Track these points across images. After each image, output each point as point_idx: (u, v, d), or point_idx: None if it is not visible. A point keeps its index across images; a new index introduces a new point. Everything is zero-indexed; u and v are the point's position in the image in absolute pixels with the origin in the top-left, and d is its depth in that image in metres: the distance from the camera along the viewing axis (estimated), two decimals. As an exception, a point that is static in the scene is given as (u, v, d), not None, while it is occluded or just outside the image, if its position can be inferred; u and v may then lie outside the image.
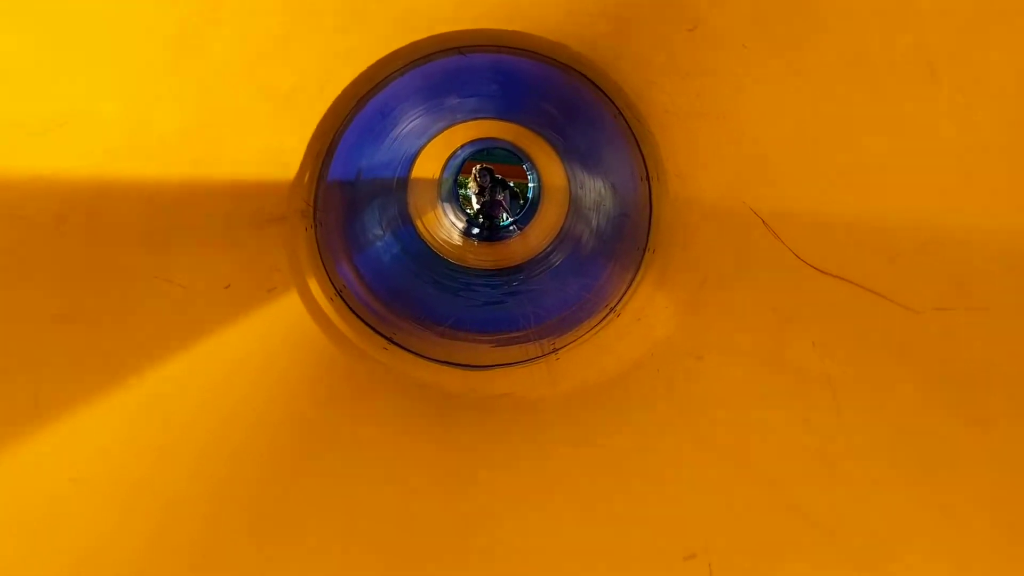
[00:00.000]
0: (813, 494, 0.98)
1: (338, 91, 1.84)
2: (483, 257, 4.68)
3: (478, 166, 7.85)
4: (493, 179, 7.81)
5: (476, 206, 7.44)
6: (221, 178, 1.39)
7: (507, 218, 7.28)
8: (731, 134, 1.42)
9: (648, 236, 2.08)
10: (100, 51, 0.90)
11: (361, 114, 2.16)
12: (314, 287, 1.94)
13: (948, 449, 0.79)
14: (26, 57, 0.80)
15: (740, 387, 1.31)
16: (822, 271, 1.11)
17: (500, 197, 7.69)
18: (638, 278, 2.09)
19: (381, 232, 3.50)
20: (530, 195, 7.97)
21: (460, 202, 7.85)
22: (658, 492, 1.25)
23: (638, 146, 2.09)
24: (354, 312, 2.12)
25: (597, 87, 2.11)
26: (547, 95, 3.24)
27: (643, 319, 1.93)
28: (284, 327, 1.71)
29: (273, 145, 1.68)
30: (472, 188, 8.05)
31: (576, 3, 1.58)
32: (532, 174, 7.70)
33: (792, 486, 1.02)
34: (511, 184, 8.53)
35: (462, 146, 6.38)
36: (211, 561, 1.01)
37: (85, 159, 0.95)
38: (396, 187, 4.11)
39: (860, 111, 0.98)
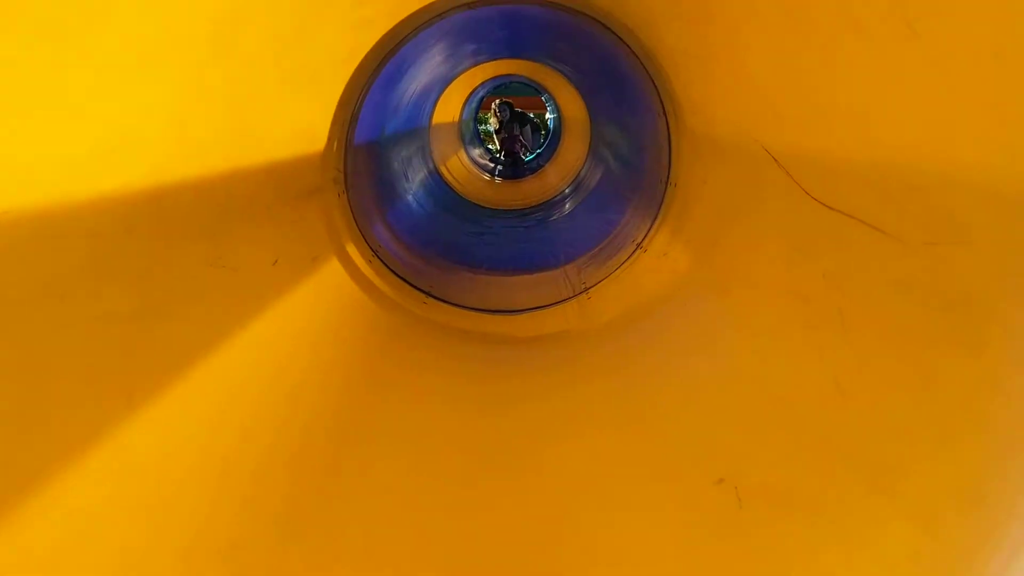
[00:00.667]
0: (826, 415, 1.07)
1: (357, 61, 1.90)
2: (510, 196, 4.74)
3: (497, 100, 7.80)
4: (512, 112, 7.77)
5: (497, 142, 7.41)
6: (258, 163, 1.48)
7: (529, 153, 7.25)
8: (737, 76, 1.48)
9: (669, 170, 2.13)
10: (139, 71, 0.98)
11: (380, 76, 2.22)
12: (352, 251, 2.04)
13: (943, 370, 0.88)
14: (77, 89, 0.89)
15: (759, 317, 1.39)
16: (828, 206, 1.18)
17: (521, 131, 7.66)
18: (662, 213, 2.15)
19: (409, 185, 3.58)
20: (551, 126, 7.95)
21: (482, 139, 7.85)
22: (686, 417, 1.35)
23: (653, 82, 2.14)
24: (392, 270, 2.22)
25: (609, 29, 2.15)
26: (560, 37, 3.26)
27: (668, 253, 2.00)
28: (329, 293, 1.81)
29: (302, 122, 1.76)
30: (492, 124, 8.03)
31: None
32: (551, 105, 7.67)
33: (807, 408, 1.11)
34: (531, 116, 8.49)
35: (480, 85, 6.38)
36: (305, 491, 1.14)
37: (140, 172, 1.04)
38: (419, 137, 4.17)
39: (850, 60, 1.05)
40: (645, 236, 2.19)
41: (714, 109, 1.75)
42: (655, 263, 2.05)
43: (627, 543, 1.13)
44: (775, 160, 1.37)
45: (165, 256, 1.13)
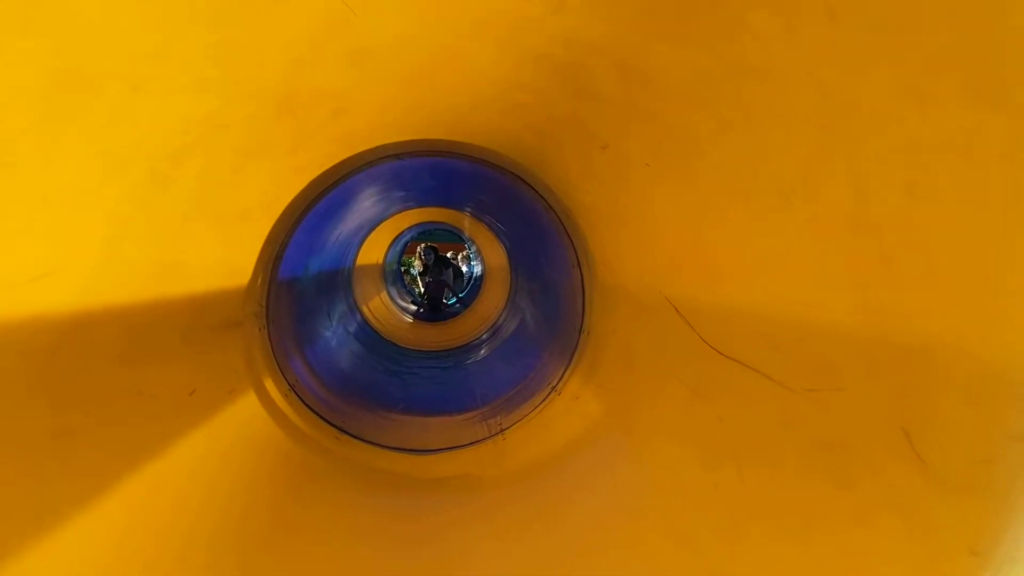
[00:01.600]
0: (722, 548, 1.12)
1: (286, 203, 1.98)
2: (430, 338, 4.80)
3: (423, 245, 7.97)
4: (438, 257, 7.93)
5: (421, 285, 7.54)
6: (182, 294, 1.51)
7: (452, 297, 7.37)
8: (643, 234, 1.61)
9: (583, 319, 2.23)
10: (76, 199, 1.03)
11: (308, 217, 2.30)
12: (269, 385, 2.05)
13: (821, 505, 0.95)
14: (17, 215, 0.93)
15: (662, 459, 1.46)
16: (724, 354, 1.28)
17: (444, 275, 7.79)
18: (575, 358, 2.23)
19: (330, 323, 3.61)
20: (473, 272, 8.13)
21: (406, 283, 7.96)
22: (592, 553, 1.37)
23: (569, 237, 2.27)
24: (307, 405, 2.22)
25: (530, 186, 2.30)
26: (483, 189, 3.43)
27: (580, 397, 2.07)
28: (244, 425, 1.81)
29: (228, 257, 1.81)
30: (417, 267, 8.17)
31: (503, 119, 1.77)
32: (474, 252, 7.89)
33: (705, 542, 1.17)
34: (454, 261, 8.68)
35: (405, 229, 6.54)
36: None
37: (70, 297, 1.07)
38: (342, 277, 4.23)
39: (738, 224, 1.18)
40: (559, 380, 2.26)
41: (623, 263, 1.88)
42: (568, 406, 2.12)
43: None
44: (677, 311, 1.47)
45: (88, 380, 1.14)
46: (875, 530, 0.86)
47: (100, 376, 1.18)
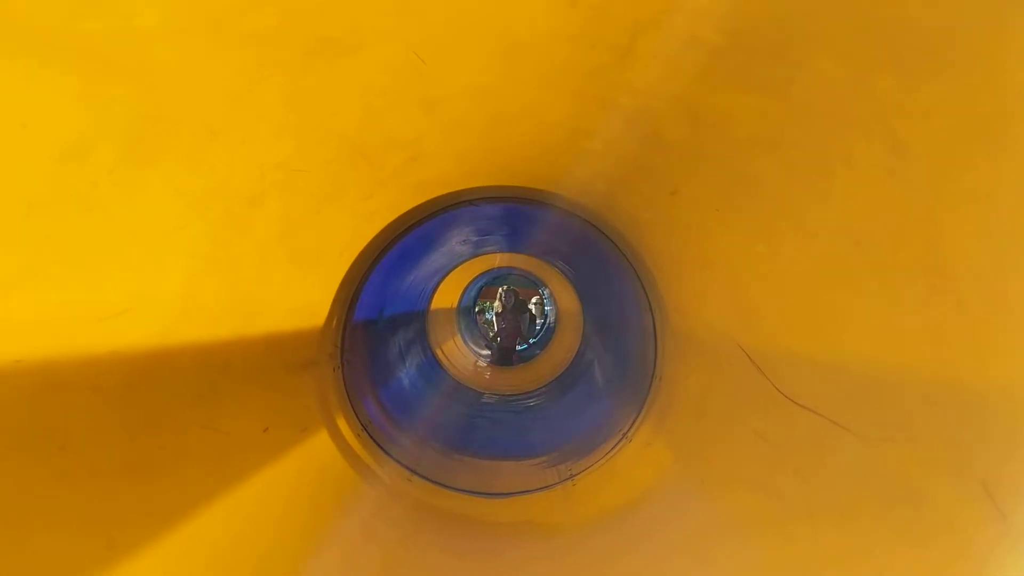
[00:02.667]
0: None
1: (361, 247, 2.03)
2: (503, 382, 4.80)
3: (504, 287, 8.01)
4: (517, 300, 7.97)
5: (497, 329, 7.54)
6: (259, 333, 1.56)
7: (524, 342, 7.36)
8: (714, 280, 1.60)
9: (655, 365, 2.21)
10: (158, 241, 1.08)
11: (383, 260, 2.35)
12: (342, 424, 2.08)
13: (898, 563, 0.91)
14: (97, 252, 0.98)
15: (736, 513, 1.42)
16: (798, 403, 1.25)
17: (521, 319, 7.80)
18: (647, 405, 2.21)
19: (404, 365, 3.66)
20: (547, 317, 8.14)
21: (481, 326, 8.00)
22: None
23: (640, 282, 2.26)
24: (379, 446, 2.25)
25: (601, 231, 2.30)
26: (556, 234, 3.44)
27: (652, 444, 2.04)
28: (316, 464, 1.84)
29: (304, 299, 1.86)
30: (496, 308, 8.21)
31: (573, 165, 1.78)
32: (548, 298, 7.89)
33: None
34: (530, 307, 8.70)
35: (479, 275, 6.60)
36: None
37: (146, 334, 1.12)
38: (416, 320, 4.29)
39: (808, 268, 1.16)
40: (631, 427, 2.23)
41: (695, 309, 1.86)
42: (639, 454, 2.09)
43: None
44: (749, 358, 1.45)
45: (160, 414, 1.18)
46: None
47: (176, 412, 1.22)
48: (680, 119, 1.26)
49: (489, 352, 6.76)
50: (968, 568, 0.80)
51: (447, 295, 5.53)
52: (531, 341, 7.56)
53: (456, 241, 3.79)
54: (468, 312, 7.70)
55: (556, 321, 7.07)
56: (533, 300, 8.70)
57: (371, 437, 2.24)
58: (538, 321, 8.64)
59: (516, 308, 7.83)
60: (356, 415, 2.23)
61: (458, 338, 6.15)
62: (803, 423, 1.22)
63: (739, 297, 1.51)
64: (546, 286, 7.27)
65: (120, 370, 1.07)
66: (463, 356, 5.51)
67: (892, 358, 0.97)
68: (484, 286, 8.03)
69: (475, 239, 3.93)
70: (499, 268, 6.62)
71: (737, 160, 1.25)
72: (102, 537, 0.99)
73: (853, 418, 1.06)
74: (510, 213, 3.02)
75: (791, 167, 1.11)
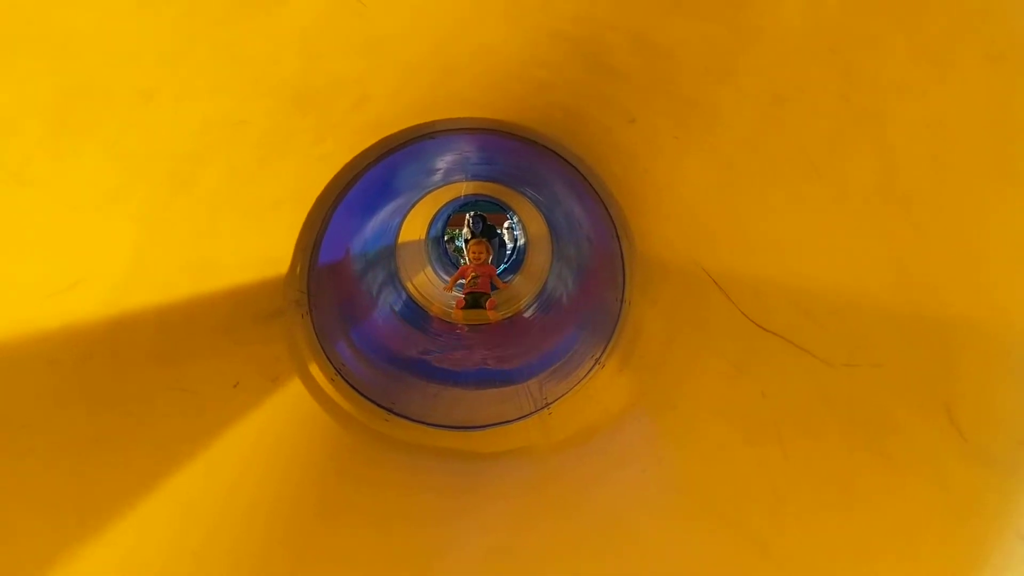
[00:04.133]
0: (764, 523, 1.11)
1: (318, 191, 1.99)
2: (475, 312, 4.82)
3: (471, 214, 7.98)
4: (486, 225, 7.93)
5: (467, 256, 7.52)
6: (219, 289, 1.53)
7: (497, 266, 7.36)
8: (677, 206, 1.59)
9: (623, 291, 2.22)
10: (101, 206, 1.04)
11: (344, 200, 2.31)
12: (314, 370, 2.08)
13: (861, 480, 0.94)
14: (37, 227, 0.95)
15: (704, 434, 1.44)
16: (764, 328, 1.26)
17: (491, 243, 7.77)
18: (618, 331, 2.22)
19: (375, 303, 3.64)
20: (517, 242, 8.13)
21: (451, 255, 7.99)
22: (635, 528, 1.37)
23: (606, 208, 2.25)
24: (354, 388, 2.25)
25: (562, 158, 2.28)
26: (519, 162, 3.41)
27: (624, 370, 2.06)
28: (290, 413, 1.84)
29: (263, 249, 1.83)
30: (465, 234, 8.19)
31: (528, 96, 1.75)
32: (517, 224, 7.87)
33: (747, 516, 1.16)
34: (500, 231, 8.69)
35: (446, 204, 6.55)
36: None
37: (99, 303, 1.09)
38: (385, 256, 4.26)
39: (766, 195, 1.15)
40: (603, 352, 2.25)
41: (659, 235, 1.85)
42: (612, 379, 2.11)
43: None
44: (715, 283, 1.45)
45: (124, 382, 1.17)
46: (918, 507, 0.84)
47: (138, 377, 1.20)
48: (632, 48, 1.23)
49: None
50: (930, 488, 0.82)
51: (414, 228, 5.50)
52: (503, 267, 7.57)
53: (419, 173, 3.74)
54: (438, 242, 7.67)
55: (526, 246, 7.06)
56: (504, 225, 8.69)
57: (345, 380, 2.24)
58: (508, 246, 8.65)
59: (485, 233, 7.80)
60: (329, 360, 2.23)
61: (429, 270, 6.14)
62: (769, 348, 1.23)
63: (702, 223, 1.50)
64: (514, 212, 7.24)
65: (77, 342, 1.05)
66: (435, 288, 5.51)
67: (854, 284, 0.97)
68: (452, 214, 7.98)
69: (438, 170, 3.88)
70: (466, 196, 6.57)
71: (692, 88, 1.23)
72: (74, 513, 0.98)
73: (818, 343, 1.07)
74: (471, 143, 2.97)
75: (745, 94, 1.09)
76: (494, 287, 5.58)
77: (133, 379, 1.20)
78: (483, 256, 5.70)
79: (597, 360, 2.26)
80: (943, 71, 0.72)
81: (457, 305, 4.97)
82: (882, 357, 0.92)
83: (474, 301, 5.11)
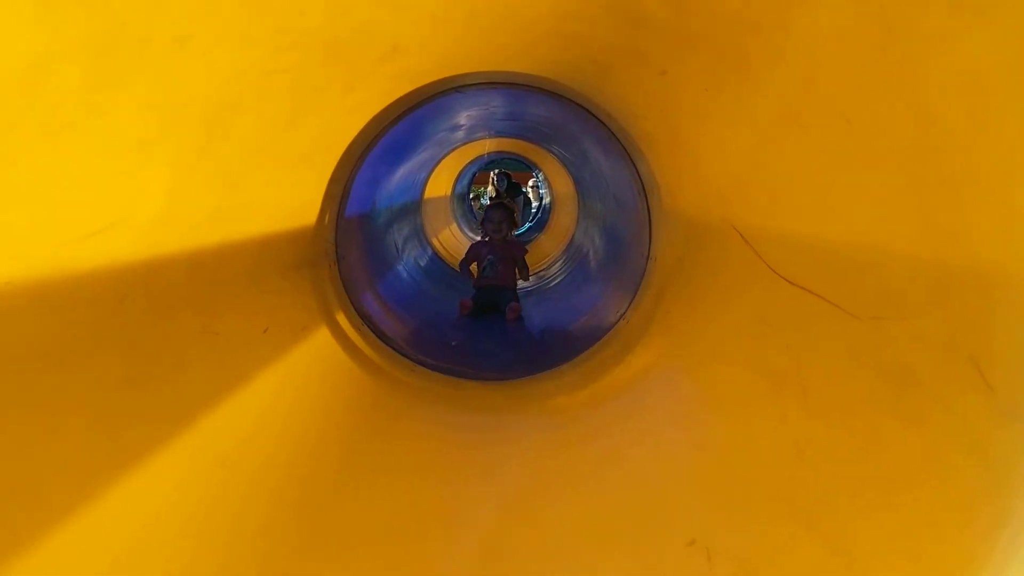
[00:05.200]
0: (787, 478, 1.12)
1: (348, 141, 2.00)
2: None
3: (496, 171, 7.95)
4: (510, 184, 7.90)
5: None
6: (250, 237, 1.56)
7: (520, 226, 7.35)
8: (707, 161, 1.58)
9: (649, 247, 2.22)
10: (137, 153, 1.06)
11: (372, 152, 2.32)
12: (342, 320, 2.11)
13: (886, 436, 0.94)
14: (73, 171, 0.96)
15: (728, 388, 1.45)
16: (791, 282, 1.26)
17: (516, 202, 7.75)
18: (643, 286, 2.23)
19: (401, 257, 3.67)
20: (543, 200, 8.11)
21: (475, 213, 7.99)
22: (659, 483, 1.39)
23: (633, 163, 2.24)
24: (381, 339, 2.28)
25: (590, 113, 2.27)
26: (547, 118, 3.39)
27: (649, 326, 2.07)
28: (318, 361, 1.87)
29: (293, 199, 1.84)
30: (490, 192, 8.17)
31: (559, 48, 1.73)
32: (542, 182, 7.84)
33: (770, 472, 1.17)
34: (525, 189, 8.66)
35: (471, 162, 6.53)
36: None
37: (134, 247, 1.11)
38: (411, 211, 4.28)
39: (796, 149, 1.14)
40: (628, 307, 2.25)
41: (688, 191, 1.85)
42: (637, 335, 2.12)
43: None
44: (742, 237, 1.45)
45: (156, 325, 1.19)
46: (943, 462, 0.85)
47: (170, 321, 1.23)
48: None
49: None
50: (958, 443, 0.82)
51: (440, 184, 5.49)
52: (527, 225, 7.56)
53: (446, 129, 3.74)
54: (463, 199, 7.66)
55: (552, 204, 7.04)
56: (529, 183, 8.66)
57: (372, 331, 2.26)
58: (533, 204, 8.63)
59: (510, 191, 7.78)
60: (356, 310, 2.25)
61: (454, 226, 6.15)
62: (796, 302, 1.23)
63: (731, 178, 1.50)
64: (540, 169, 7.21)
65: (113, 284, 1.08)
66: (460, 244, 5.52)
67: (885, 238, 0.97)
68: (477, 172, 7.96)
69: (465, 125, 3.87)
70: (491, 153, 6.55)
71: (723, 41, 1.21)
72: (106, 451, 1.01)
73: (845, 296, 1.07)
74: (499, 98, 2.96)
75: (777, 46, 1.08)
76: (509, 295, 3.67)
77: (166, 322, 1.23)
78: (505, 230, 3.96)
79: (622, 315, 2.27)
80: (984, 20, 0.71)
81: (462, 308, 3.45)
82: (911, 310, 0.92)
83: (489, 300, 3.55)
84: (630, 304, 2.24)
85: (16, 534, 0.83)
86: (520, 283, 3.90)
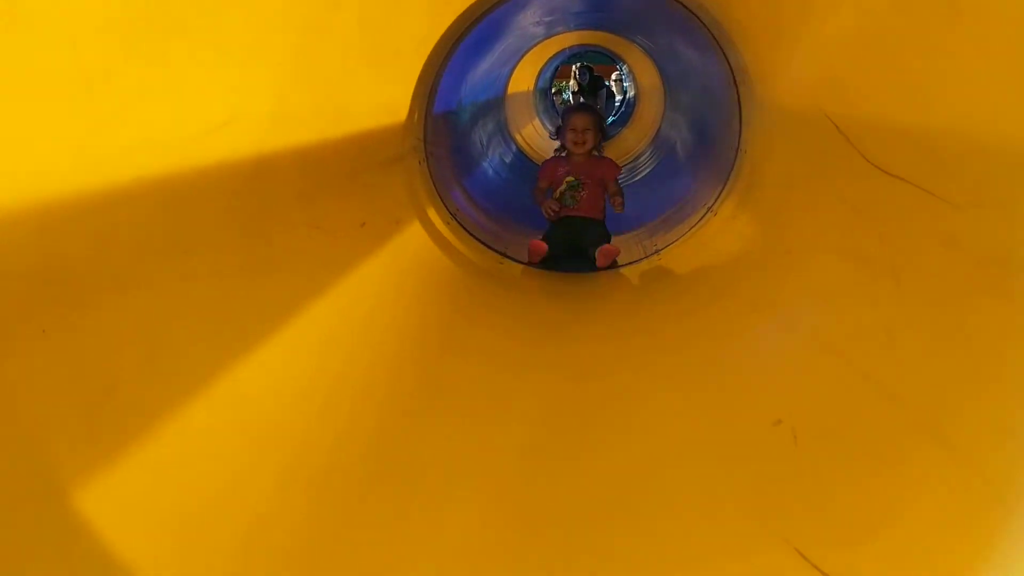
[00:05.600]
0: (877, 362, 1.14)
1: (436, 39, 2.02)
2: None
3: (577, 64, 7.80)
4: (592, 77, 7.76)
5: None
6: (347, 134, 1.61)
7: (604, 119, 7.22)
8: (801, 49, 1.54)
9: (739, 138, 2.19)
10: (246, 57, 1.11)
11: (458, 50, 2.33)
12: (432, 214, 2.17)
13: (980, 320, 0.95)
14: (198, 73, 1.02)
15: (820, 277, 1.46)
16: (885, 171, 1.24)
17: (598, 96, 7.62)
18: (732, 178, 2.21)
19: (486, 153, 3.69)
20: (627, 94, 7.94)
21: (557, 108, 7.89)
22: (748, 367, 1.43)
23: (723, 53, 2.19)
24: (469, 232, 2.34)
25: (679, 2, 2.21)
26: (633, 8, 3.31)
27: (737, 217, 2.06)
28: (411, 253, 1.94)
29: (384, 96, 1.89)
30: (572, 87, 8.04)
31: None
32: (627, 75, 7.66)
33: (859, 355, 1.19)
34: (608, 83, 8.49)
35: (554, 55, 6.41)
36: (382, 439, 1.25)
37: (246, 143, 1.18)
38: (495, 107, 4.27)
39: (900, 35, 1.11)
40: (715, 200, 2.25)
41: (781, 80, 1.81)
42: (724, 226, 2.12)
43: (693, 481, 1.21)
44: (837, 127, 1.42)
45: (269, 217, 1.27)
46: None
47: (282, 214, 1.31)
48: None
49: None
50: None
51: (523, 79, 5.44)
52: (611, 119, 7.43)
53: (529, 23, 3.69)
54: (545, 94, 7.57)
55: (636, 97, 6.89)
56: (612, 76, 8.47)
57: (461, 225, 2.32)
58: (617, 98, 8.46)
59: (593, 84, 7.63)
60: (445, 205, 2.31)
61: (537, 121, 6.11)
62: (890, 191, 1.21)
63: (826, 65, 1.46)
64: (624, 62, 7.03)
65: (229, 179, 1.15)
66: (543, 140, 5.50)
67: (983, 123, 0.95)
68: (560, 65, 7.82)
69: (548, 19, 3.81)
70: (575, 47, 6.41)
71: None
72: (229, 332, 1.10)
73: (942, 184, 1.06)
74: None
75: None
76: (597, 230, 2.74)
77: (278, 215, 1.31)
78: (591, 141, 2.85)
79: (709, 208, 2.26)
80: None
81: (532, 254, 2.46)
82: (1008, 196, 0.91)
83: (570, 238, 2.67)
84: (720, 195, 2.23)
85: (152, 399, 0.92)
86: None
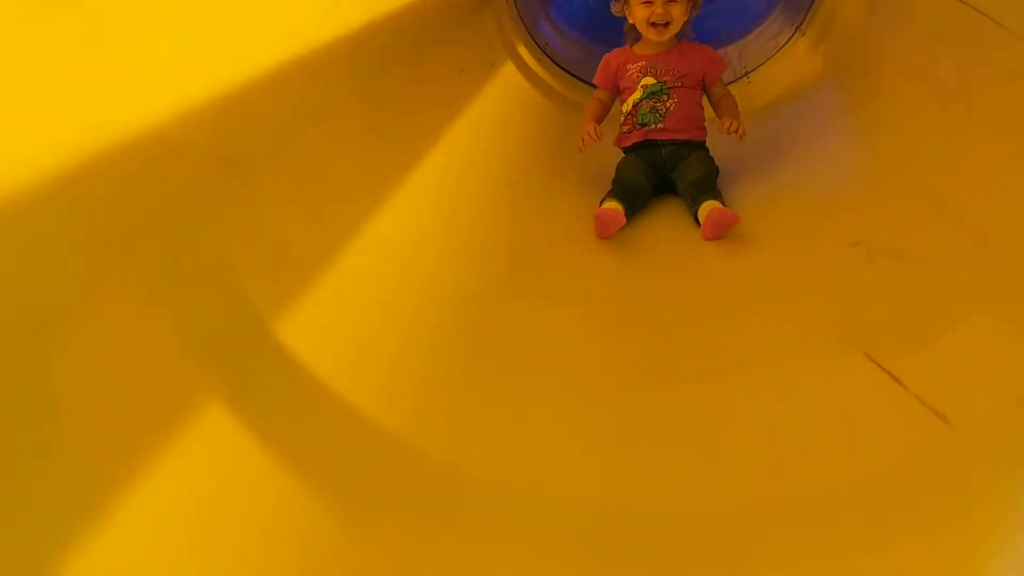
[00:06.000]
0: (948, 185, 1.23)
1: None
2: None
3: None
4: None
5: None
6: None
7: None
8: None
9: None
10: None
11: None
12: (523, 52, 2.26)
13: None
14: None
15: (898, 99, 1.52)
16: (963, 1, 1.28)
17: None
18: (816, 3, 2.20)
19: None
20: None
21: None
22: (827, 187, 1.53)
23: None
24: (559, 66, 2.41)
25: None
26: None
27: (824, 39, 2.08)
28: (507, 93, 2.05)
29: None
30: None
31: None
32: None
33: (932, 179, 1.28)
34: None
35: None
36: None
37: (352, 16, 1.33)
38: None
39: None
40: (803, 20, 2.24)
41: None
42: (812, 47, 2.13)
43: (777, 295, 1.32)
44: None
45: (377, 80, 1.42)
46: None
47: (391, 76, 1.45)
48: None
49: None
50: None
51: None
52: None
53: None
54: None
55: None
56: None
57: (551, 59, 2.39)
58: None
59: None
60: (534, 40, 2.38)
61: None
62: (966, 20, 1.26)
63: None
64: None
65: (343, 49, 1.29)
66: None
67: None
68: None
69: None
70: None
71: None
72: (370, 185, 1.27)
73: (1014, 19, 1.11)
74: None
75: None
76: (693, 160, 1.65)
77: (386, 77, 1.45)
78: (675, 16, 1.68)
79: (797, 27, 2.26)
80: None
81: (603, 226, 1.49)
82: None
83: (652, 175, 1.67)
84: (802, 21, 2.22)
85: (309, 243, 1.09)
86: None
